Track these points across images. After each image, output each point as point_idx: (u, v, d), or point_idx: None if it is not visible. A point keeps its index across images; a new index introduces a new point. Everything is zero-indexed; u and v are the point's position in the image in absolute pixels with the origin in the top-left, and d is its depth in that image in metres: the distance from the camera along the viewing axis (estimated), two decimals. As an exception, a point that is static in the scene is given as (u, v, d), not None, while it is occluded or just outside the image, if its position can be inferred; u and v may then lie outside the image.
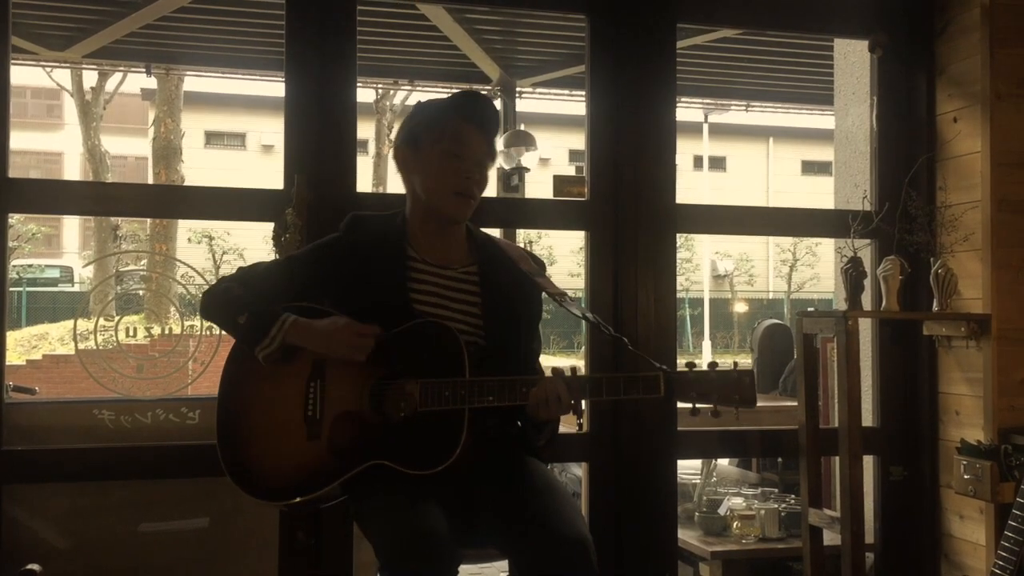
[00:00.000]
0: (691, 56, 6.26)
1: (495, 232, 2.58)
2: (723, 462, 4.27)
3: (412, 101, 16.14)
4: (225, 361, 2.26)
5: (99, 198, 3.09)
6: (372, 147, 17.24)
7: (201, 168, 17.86)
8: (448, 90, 7.02)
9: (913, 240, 3.07)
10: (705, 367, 2.11)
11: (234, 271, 2.34)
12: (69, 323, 12.73)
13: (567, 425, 2.25)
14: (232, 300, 2.21)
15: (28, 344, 13.01)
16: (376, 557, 2.00)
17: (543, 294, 2.32)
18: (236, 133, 23.29)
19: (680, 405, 2.16)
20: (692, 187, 20.37)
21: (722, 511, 3.54)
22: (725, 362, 2.14)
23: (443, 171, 2.21)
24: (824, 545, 3.03)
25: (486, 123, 2.25)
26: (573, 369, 2.14)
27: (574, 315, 2.33)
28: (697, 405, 2.10)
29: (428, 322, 2.16)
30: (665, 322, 2.98)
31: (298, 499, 2.15)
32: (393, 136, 2.44)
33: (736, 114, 14.65)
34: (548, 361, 2.38)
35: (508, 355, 2.20)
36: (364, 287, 2.20)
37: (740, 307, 22.90)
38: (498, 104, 8.47)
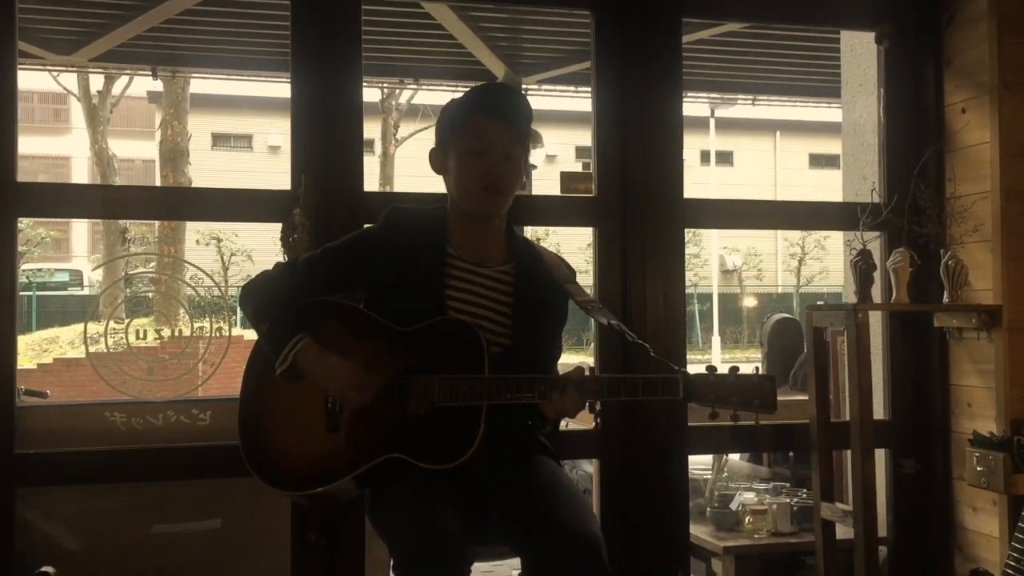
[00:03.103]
0: (697, 51, 6.24)
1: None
2: (734, 457, 4.26)
3: (418, 100, 16.21)
4: (250, 352, 2.28)
5: (107, 201, 3.10)
6: (378, 146, 17.24)
7: (208, 170, 17.89)
8: (454, 89, 7.01)
9: (922, 232, 3.06)
10: (726, 371, 2.07)
11: (272, 267, 2.34)
12: (79, 326, 12.78)
13: (583, 423, 2.24)
14: (260, 305, 2.22)
15: (39, 348, 13.06)
16: (390, 555, 2.00)
17: (571, 301, 2.31)
18: (243, 135, 23.31)
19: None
20: (699, 182, 20.34)
21: (734, 506, 3.54)
22: (745, 367, 2.10)
23: (469, 168, 2.21)
24: (837, 539, 3.02)
25: (508, 113, 2.23)
26: (592, 369, 2.13)
27: (600, 323, 2.31)
28: (716, 409, 2.06)
29: (449, 319, 2.16)
30: (674, 317, 2.98)
31: (314, 490, 2.16)
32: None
33: (743, 108, 14.61)
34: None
35: (529, 357, 2.19)
36: (400, 281, 2.20)
37: (749, 302, 22.85)
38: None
